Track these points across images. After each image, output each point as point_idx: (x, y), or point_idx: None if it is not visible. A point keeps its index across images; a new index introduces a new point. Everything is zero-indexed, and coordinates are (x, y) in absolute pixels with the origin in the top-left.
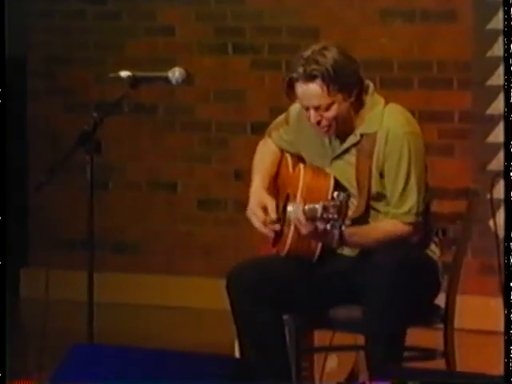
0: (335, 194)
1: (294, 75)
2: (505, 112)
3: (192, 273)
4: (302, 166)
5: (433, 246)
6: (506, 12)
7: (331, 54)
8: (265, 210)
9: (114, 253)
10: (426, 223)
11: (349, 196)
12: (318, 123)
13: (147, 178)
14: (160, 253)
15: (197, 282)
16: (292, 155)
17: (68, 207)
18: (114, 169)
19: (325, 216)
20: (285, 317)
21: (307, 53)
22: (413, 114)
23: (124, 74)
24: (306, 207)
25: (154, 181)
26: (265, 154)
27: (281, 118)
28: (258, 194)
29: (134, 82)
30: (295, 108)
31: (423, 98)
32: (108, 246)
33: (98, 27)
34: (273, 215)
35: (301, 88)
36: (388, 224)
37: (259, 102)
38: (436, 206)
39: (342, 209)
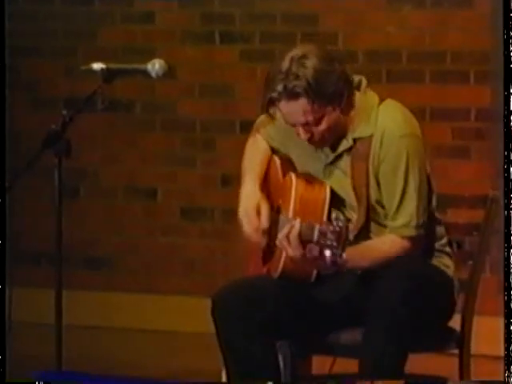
0: (333, 215)
1: (274, 95)
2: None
3: (174, 291)
4: (293, 174)
5: (447, 260)
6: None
7: (311, 63)
8: (258, 213)
9: (85, 268)
10: (429, 234)
11: (349, 221)
12: (310, 139)
13: (123, 183)
14: (137, 269)
15: (179, 302)
16: (281, 158)
17: (33, 217)
18: (86, 173)
19: (322, 242)
20: (279, 342)
21: (285, 64)
22: (424, 110)
23: (97, 66)
24: (302, 226)
25: (131, 187)
26: (255, 153)
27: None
28: (255, 196)
29: (108, 75)
30: None
31: (435, 93)
32: (78, 260)
33: (68, 13)
34: (265, 223)
35: (284, 108)
36: (386, 242)
37: (250, 98)
38: (450, 216)
39: (341, 235)
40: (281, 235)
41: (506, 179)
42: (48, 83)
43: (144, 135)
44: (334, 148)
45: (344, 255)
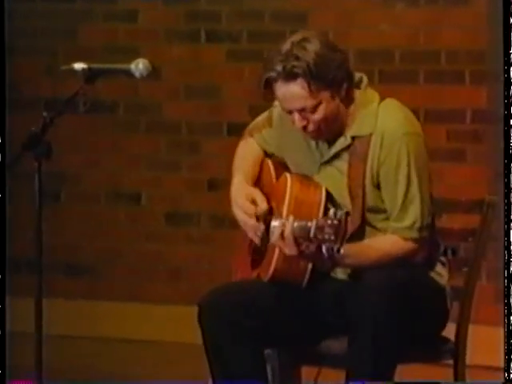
0: (331, 211)
1: (272, 74)
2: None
3: (159, 299)
4: (288, 175)
5: (439, 268)
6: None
7: (313, 47)
8: (253, 202)
9: (67, 276)
10: (431, 240)
11: (348, 214)
12: (304, 128)
13: (106, 187)
14: (121, 276)
15: (164, 311)
16: (275, 162)
17: (12, 222)
18: (67, 177)
19: (319, 237)
20: (267, 351)
21: (285, 47)
22: (418, 112)
23: (78, 66)
24: (296, 224)
25: (114, 191)
26: (247, 153)
27: (262, 118)
28: (243, 187)
29: (90, 75)
30: (277, 106)
31: (430, 94)
32: (59, 267)
33: (48, 11)
34: (263, 206)
35: (281, 89)
36: (387, 241)
37: (237, 99)
38: (445, 221)
39: (340, 229)
40: (275, 234)
41: (506, 181)
42: (28, 84)
43: (128, 138)
44: (330, 146)
45: (342, 250)
